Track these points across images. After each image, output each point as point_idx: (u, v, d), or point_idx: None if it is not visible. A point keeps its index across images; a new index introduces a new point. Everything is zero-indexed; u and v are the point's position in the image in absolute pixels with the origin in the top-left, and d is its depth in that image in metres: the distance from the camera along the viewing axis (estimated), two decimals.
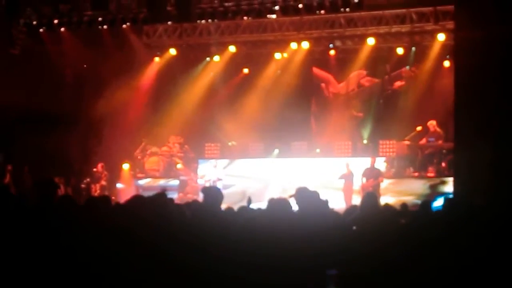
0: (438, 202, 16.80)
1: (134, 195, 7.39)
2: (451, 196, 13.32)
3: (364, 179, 19.89)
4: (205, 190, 7.16)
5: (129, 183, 22.73)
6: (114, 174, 22.91)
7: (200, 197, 19.01)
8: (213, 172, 22.16)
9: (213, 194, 6.85)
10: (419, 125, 21.90)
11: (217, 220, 6.50)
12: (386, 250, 6.31)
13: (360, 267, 6.17)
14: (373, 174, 19.94)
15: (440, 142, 20.68)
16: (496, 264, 5.73)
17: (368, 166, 20.20)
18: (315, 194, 7.45)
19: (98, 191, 21.73)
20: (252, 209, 8.84)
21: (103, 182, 22.30)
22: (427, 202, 11.33)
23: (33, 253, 5.62)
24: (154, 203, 6.83)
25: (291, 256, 6.26)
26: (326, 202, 8.00)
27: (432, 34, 21.73)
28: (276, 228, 6.69)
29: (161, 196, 7.33)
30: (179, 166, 23.02)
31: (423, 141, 21.04)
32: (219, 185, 20.91)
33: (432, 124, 21.11)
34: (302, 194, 7.36)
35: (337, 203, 19.14)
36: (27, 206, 6.47)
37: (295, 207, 7.48)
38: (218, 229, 6.21)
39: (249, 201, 9.81)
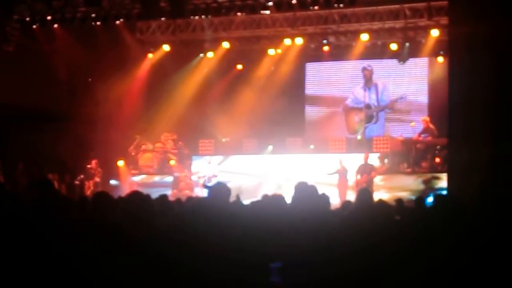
0: (432, 198, 16.89)
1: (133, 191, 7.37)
2: (441, 193, 13.31)
3: (358, 175, 19.91)
4: (211, 186, 7.11)
5: (124, 180, 22.70)
6: (108, 171, 22.88)
7: (196, 193, 18.92)
8: (207, 169, 22.14)
9: (218, 190, 6.81)
10: (412, 121, 22.05)
11: (210, 216, 6.46)
12: (381, 246, 6.30)
13: (354, 264, 6.17)
14: (366, 170, 19.97)
15: (429, 138, 20.69)
16: (490, 262, 5.73)
17: (362, 162, 20.22)
18: (313, 189, 7.42)
19: (91, 188, 21.68)
20: (245, 205, 8.83)
21: (97, 179, 22.25)
22: (421, 198, 11.37)
23: (26, 252, 5.61)
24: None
25: (283, 252, 6.25)
26: (326, 197, 7.96)
27: (426, 29, 21.75)
28: (269, 223, 6.68)
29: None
30: (172, 162, 23.00)
31: (416, 136, 21.07)
32: (213, 181, 20.92)
33: (425, 120, 21.16)
34: (301, 188, 7.34)
35: (332, 199, 19.15)
36: (21, 204, 6.45)
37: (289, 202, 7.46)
38: (208, 224, 6.17)
39: (239, 197, 9.79)
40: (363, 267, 6.10)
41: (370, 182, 19.64)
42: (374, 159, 20.67)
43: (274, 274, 6.36)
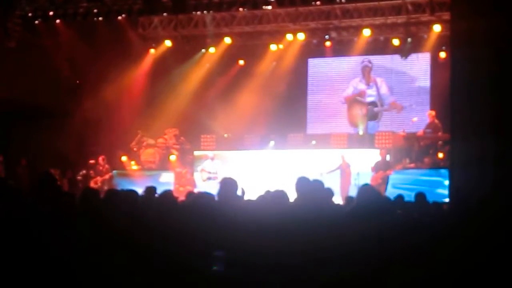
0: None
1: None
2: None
3: (374, 172, 19.75)
4: (222, 180, 7.13)
5: (133, 175, 22.72)
6: (110, 166, 22.89)
7: (198, 188, 18.92)
8: (209, 165, 22.12)
9: (227, 184, 6.82)
10: (415, 116, 22.03)
11: (211, 211, 6.46)
12: (382, 241, 6.29)
13: (357, 260, 6.15)
14: (382, 167, 19.80)
15: (439, 133, 20.54)
16: (494, 257, 5.73)
17: (379, 158, 20.09)
18: (317, 184, 7.39)
19: (99, 184, 21.72)
20: (248, 200, 8.82)
21: (106, 176, 22.29)
22: (421, 193, 11.36)
23: (27, 245, 5.63)
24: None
25: (284, 250, 6.23)
26: (329, 191, 7.94)
27: (428, 25, 21.71)
28: (272, 219, 6.68)
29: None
30: (172, 158, 22.98)
31: (421, 132, 21.02)
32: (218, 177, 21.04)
33: (431, 114, 21.06)
34: (302, 183, 7.32)
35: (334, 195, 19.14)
36: (23, 198, 6.47)
37: (292, 198, 7.43)
38: (209, 220, 6.17)
39: (243, 193, 9.77)
40: (366, 264, 6.08)
41: (385, 179, 19.54)
42: (376, 155, 20.63)
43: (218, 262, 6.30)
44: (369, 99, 23.82)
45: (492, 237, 5.84)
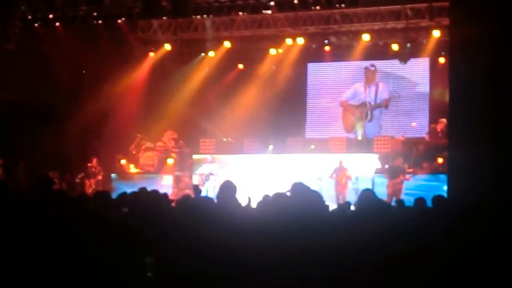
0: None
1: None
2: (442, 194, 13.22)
3: (389, 178, 19.65)
4: (222, 184, 7.14)
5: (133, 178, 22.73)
6: (110, 169, 22.89)
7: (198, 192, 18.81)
8: (207, 168, 22.13)
9: (226, 188, 6.83)
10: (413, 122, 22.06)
11: (208, 216, 6.45)
12: (381, 246, 6.29)
13: (353, 265, 6.14)
14: (397, 173, 19.69)
15: (442, 139, 20.48)
16: (491, 263, 5.74)
17: (394, 164, 20.01)
18: (309, 189, 7.39)
19: (93, 187, 21.71)
20: (246, 207, 8.82)
21: (99, 177, 22.28)
22: (421, 198, 11.37)
23: (29, 249, 5.63)
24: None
25: (283, 254, 6.23)
26: (319, 194, 7.93)
27: (427, 30, 21.75)
28: (271, 224, 6.67)
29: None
30: (170, 161, 22.97)
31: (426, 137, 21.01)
32: (211, 180, 21.08)
33: (443, 121, 20.82)
34: (297, 189, 7.31)
35: (331, 200, 19.17)
36: (23, 202, 6.48)
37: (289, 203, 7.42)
38: (207, 224, 6.17)
39: (249, 201, 9.77)
40: (365, 267, 6.08)
41: (401, 184, 19.46)
42: (374, 160, 20.64)
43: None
44: (363, 100, 23.79)
45: (488, 242, 5.85)
